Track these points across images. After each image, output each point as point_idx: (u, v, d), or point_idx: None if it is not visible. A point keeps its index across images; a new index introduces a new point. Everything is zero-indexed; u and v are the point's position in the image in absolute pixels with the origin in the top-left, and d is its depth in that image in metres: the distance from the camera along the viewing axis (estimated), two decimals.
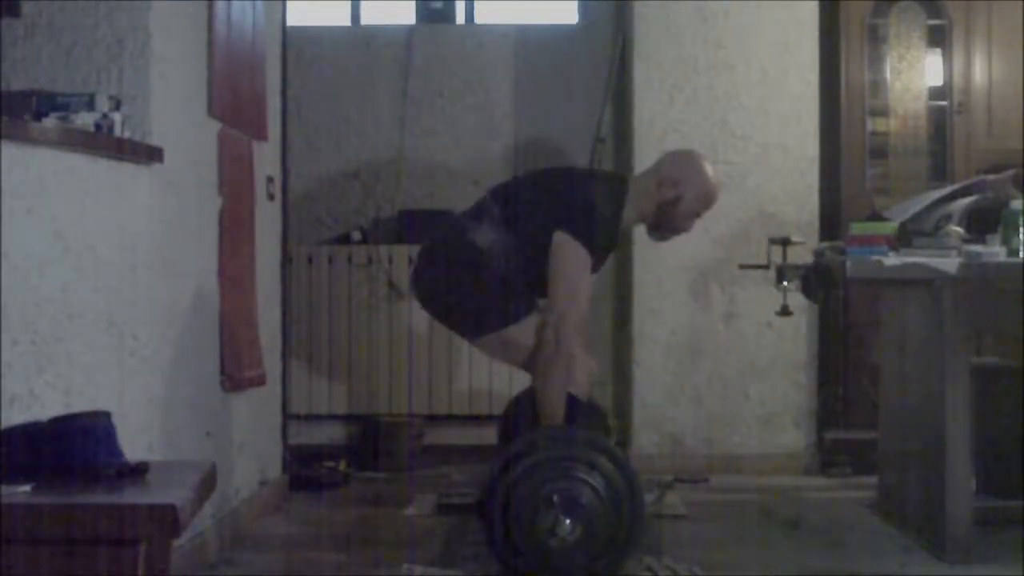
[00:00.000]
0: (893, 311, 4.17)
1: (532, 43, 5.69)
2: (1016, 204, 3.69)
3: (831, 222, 5.10)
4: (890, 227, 3.90)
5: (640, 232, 5.00)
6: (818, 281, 4.16)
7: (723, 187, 3.88)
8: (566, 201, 3.61)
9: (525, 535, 3.25)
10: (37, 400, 2.53)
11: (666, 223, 3.80)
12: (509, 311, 3.60)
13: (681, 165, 3.77)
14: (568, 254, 3.54)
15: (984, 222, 3.88)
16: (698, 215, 3.81)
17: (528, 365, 3.66)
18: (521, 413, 3.79)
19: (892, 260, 3.69)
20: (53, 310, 2.62)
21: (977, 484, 3.74)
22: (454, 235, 3.69)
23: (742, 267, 4.78)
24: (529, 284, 3.62)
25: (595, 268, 3.64)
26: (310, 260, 5.35)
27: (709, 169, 3.78)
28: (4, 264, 2.44)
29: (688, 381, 5.12)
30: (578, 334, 3.54)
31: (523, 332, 3.59)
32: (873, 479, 4.41)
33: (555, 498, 3.23)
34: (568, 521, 3.23)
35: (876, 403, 4.47)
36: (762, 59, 5.13)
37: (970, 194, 4.13)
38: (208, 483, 2.37)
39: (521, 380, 4.44)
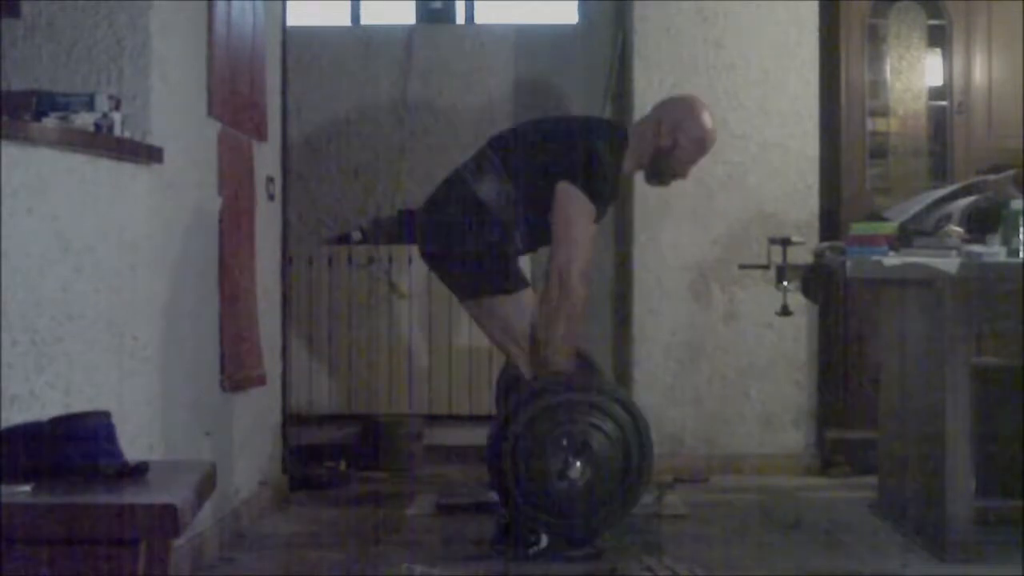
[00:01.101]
0: (893, 311, 4.17)
1: (532, 43, 5.68)
2: (1016, 204, 3.69)
3: (831, 222, 5.10)
4: (890, 227, 3.90)
5: (640, 232, 5.02)
6: (818, 281, 4.15)
7: (719, 133, 3.93)
8: (569, 152, 3.61)
9: (534, 478, 3.23)
10: (37, 400, 2.53)
11: (663, 169, 3.81)
12: (504, 277, 3.60)
13: (678, 112, 3.78)
14: (572, 204, 3.55)
15: (984, 222, 3.88)
16: (694, 162, 3.81)
17: (504, 344, 3.66)
18: (513, 375, 3.77)
19: (892, 260, 3.69)
20: (53, 310, 2.62)
21: (977, 484, 3.74)
22: (455, 188, 3.69)
23: (742, 267, 4.78)
24: (530, 235, 3.63)
25: (596, 219, 3.65)
26: (310, 260, 5.34)
27: (706, 116, 3.78)
28: (4, 264, 2.44)
29: (688, 381, 5.11)
30: (582, 284, 3.54)
31: (512, 307, 3.59)
32: (873, 479, 4.41)
33: (565, 441, 3.21)
34: (578, 463, 3.22)
35: (876, 403, 4.47)
36: (762, 59, 5.13)
37: (970, 194, 4.12)
38: (208, 483, 2.37)
39: None
